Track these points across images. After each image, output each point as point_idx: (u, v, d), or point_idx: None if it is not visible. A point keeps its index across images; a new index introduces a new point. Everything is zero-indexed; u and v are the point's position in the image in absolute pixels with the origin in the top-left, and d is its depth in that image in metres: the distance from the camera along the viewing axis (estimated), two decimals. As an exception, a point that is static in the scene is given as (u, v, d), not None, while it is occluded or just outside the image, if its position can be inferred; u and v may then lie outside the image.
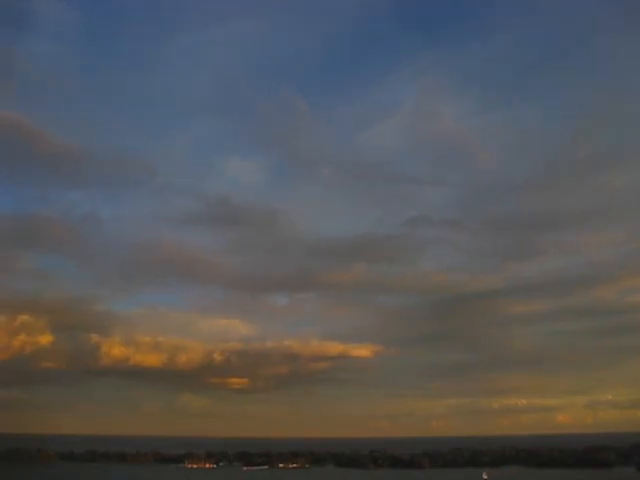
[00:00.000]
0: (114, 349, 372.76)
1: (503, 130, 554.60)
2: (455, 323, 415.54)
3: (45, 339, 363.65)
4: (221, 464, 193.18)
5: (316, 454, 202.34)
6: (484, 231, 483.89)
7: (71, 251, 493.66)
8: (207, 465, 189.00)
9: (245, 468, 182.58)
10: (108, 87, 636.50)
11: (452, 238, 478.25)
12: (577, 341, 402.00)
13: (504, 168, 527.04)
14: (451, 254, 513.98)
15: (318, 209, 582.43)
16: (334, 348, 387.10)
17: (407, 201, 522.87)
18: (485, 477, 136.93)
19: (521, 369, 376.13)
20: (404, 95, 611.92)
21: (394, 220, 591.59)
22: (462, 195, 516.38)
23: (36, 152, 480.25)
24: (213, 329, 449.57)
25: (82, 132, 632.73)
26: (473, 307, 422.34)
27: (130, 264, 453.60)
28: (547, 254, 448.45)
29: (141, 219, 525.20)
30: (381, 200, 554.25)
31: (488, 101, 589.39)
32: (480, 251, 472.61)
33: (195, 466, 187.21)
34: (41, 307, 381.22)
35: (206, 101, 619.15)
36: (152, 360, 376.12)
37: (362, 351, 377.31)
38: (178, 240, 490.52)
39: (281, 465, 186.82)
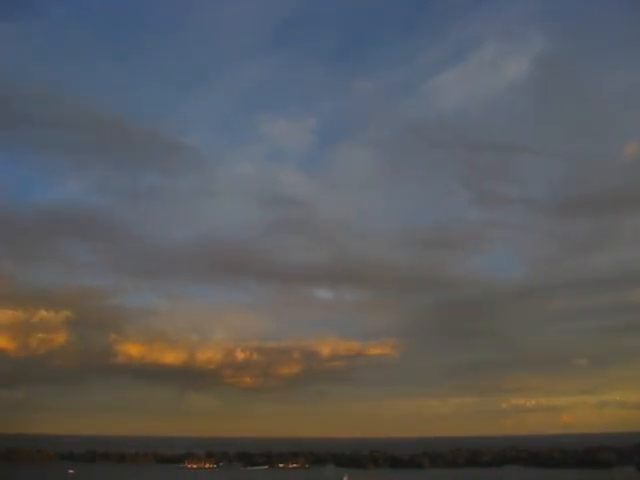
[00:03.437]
0: (130, 347, 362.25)
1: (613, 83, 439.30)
2: (484, 323, 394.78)
3: (61, 336, 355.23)
4: (221, 464, 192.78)
5: (316, 454, 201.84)
6: (564, 213, 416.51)
7: (92, 237, 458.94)
8: (207, 465, 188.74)
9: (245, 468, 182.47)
10: (133, 37, 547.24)
11: (525, 223, 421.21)
12: (605, 339, 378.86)
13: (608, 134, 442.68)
14: (516, 243, 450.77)
15: (369, 184, 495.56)
16: (352, 347, 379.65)
17: (480, 172, 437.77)
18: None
19: (537, 369, 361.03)
20: (481, 38, 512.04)
21: (459, 198, 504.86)
22: (550, 167, 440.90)
23: (49, 118, 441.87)
24: (236, 325, 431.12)
25: (102, 91, 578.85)
26: (510, 306, 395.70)
27: (151, 253, 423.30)
28: (622, 242, 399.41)
29: (164, 195, 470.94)
30: (449, 171, 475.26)
31: (592, 44, 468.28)
32: (551, 238, 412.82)
33: (195, 466, 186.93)
34: (56, 301, 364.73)
35: (248, 47, 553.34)
36: (168, 358, 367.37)
37: (376, 350, 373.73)
38: (207, 222, 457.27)
39: (281, 465, 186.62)
